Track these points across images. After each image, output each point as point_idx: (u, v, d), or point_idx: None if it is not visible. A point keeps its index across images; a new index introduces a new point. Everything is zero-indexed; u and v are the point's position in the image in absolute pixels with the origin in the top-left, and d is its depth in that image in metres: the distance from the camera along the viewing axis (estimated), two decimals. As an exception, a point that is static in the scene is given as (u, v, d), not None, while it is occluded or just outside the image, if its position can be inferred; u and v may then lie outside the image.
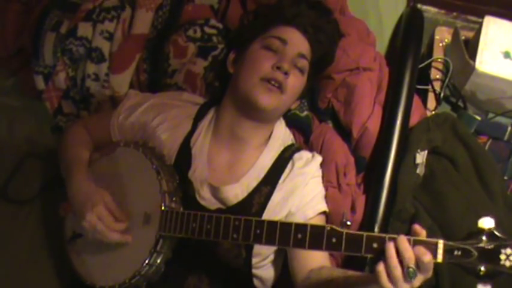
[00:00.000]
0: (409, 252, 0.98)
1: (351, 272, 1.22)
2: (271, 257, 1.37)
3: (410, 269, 0.97)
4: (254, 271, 1.35)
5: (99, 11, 1.70)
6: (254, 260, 1.33)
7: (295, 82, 1.35)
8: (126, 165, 1.36)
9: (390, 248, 0.99)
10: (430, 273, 1.00)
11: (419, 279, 1.00)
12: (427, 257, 0.97)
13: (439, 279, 1.38)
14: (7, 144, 1.79)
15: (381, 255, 1.01)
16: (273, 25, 1.37)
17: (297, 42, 1.36)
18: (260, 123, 1.38)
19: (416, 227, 1.01)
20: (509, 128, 1.66)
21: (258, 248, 1.32)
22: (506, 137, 1.65)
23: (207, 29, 1.65)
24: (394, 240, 1.00)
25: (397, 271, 0.98)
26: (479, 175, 1.51)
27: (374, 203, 1.44)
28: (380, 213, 1.43)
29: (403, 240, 0.99)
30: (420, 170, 1.51)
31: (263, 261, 1.36)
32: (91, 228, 1.26)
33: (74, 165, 1.39)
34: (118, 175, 1.36)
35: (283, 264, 1.41)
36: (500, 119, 1.69)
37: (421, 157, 1.51)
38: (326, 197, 1.40)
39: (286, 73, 1.31)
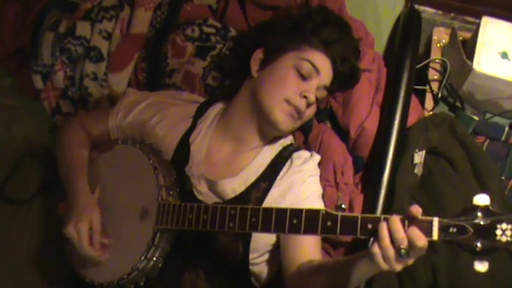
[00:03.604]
0: (400, 234, 0.97)
1: (341, 257, 1.22)
2: (269, 253, 1.37)
3: (403, 250, 0.97)
4: (251, 267, 1.35)
5: (97, 11, 1.70)
6: (251, 256, 1.33)
7: (311, 112, 1.38)
8: (123, 161, 1.37)
9: (383, 228, 0.99)
10: (423, 253, 1.00)
11: (412, 258, 1.00)
12: (421, 242, 0.96)
13: (436, 277, 1.38)
14: (5, 144, 1.79)
15: (376, 236, 1.00)
16: (307, 43, 1.36)
17: (327, 73, 1.37)
18: (266, 133, 1.40)
19: (412, 209, 0.99)
20: (506, 128, 1.65)
21: (256, 244, 1.32)
22: (503, 137, 1.65)
23: (205, 28, 1.66)
24: (387, 220, 1.00)
25: (390, 251, 0.98)
26: (477, 175, 1.51)
27: (372, 202, 1.45)
28: (378, 213, 1.43)
29: (395, 220, 0.99)
30: (418, 170, 1.51)
31: (260, 257, 1.36)
32: (68, 237, 1.30)
33: (74, 167, 1.40)
34: (116, 172, 1.36)
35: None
36: (498, 119, 1.69)
37: (419, 157, 1.51)
38: (323, 196, 1.41)
39: (309, 104, 1.33)
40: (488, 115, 1.71)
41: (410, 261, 1.00)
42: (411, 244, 0.97)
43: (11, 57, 1.83)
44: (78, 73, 1.70)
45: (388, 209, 1.44)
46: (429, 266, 1.39)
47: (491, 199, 1.44)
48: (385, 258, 0.99)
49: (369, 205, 1.45)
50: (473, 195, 1.45)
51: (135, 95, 1.54)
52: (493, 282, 1.34)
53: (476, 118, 1.67)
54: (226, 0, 1.72)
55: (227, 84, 1.59)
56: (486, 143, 1.65)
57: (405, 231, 0.98)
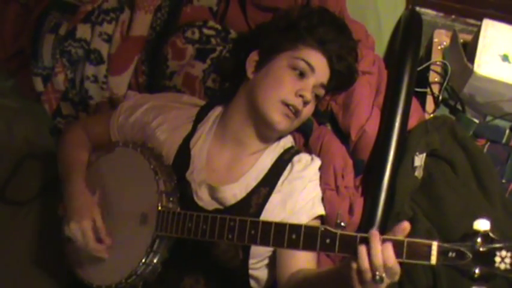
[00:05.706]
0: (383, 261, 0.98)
1: (323, 268, 1.22)
2: (269, 258, 1.36)
3: (377, 277, 0.98)
4: (251, 272, 1.35)
5: (98, 13, 1.70)
6: (251, 261, 1.33)
7: (309, 110, 1.38)
8: (124, 165, 1.37)
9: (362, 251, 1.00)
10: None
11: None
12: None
13: (436, 280, 1.38)
14: (6, 145, 1.79)
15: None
16: (302, 42, 1.36)
17: (323, 72, 1.37)
18: (265, 135, 1.40)
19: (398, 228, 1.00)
20: (507, 131, 1.66)
21: (256, 249, 1.31)
22: (504, 140, 1.65)
23: (205, 30, 1.65)
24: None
25: (368, 275, 0.99)
26: (478, 178, 1.51)
27: (372, 205, 1.44)
28: (378, 216, 1.43)
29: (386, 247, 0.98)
30: (418, 173, 1.51)
31: (260, 262, 1.35)
32: (72, 237, 1.29)
33: (73, 168, 1.40)
34: (116, 175, 1.36)
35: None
36: (499, 122, 1.69)
37: (419, 160, 1.51)
38: (323, 199, 1.40)
39: (306, 102, 1.33)
40: (489, 118, 1.71)
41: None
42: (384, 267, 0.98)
43: (11, 59, 1.83)
44: (79, 75, 1.70)
45: (388, 212, 1.44)
46: (429, 269, 1.39)
47: (492, 202, 1.46)
48: (362, 280, 1.00)
49: (369, 208, 1.44)
50: (474, 198, 1.48)
51: (135, 98, 1.54)
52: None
53: (477, 121, 1.67)
54: (227, 2, 1.72)
55: (227, 87, 1.59)
56: (487, 146, 1.65)
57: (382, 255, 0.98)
